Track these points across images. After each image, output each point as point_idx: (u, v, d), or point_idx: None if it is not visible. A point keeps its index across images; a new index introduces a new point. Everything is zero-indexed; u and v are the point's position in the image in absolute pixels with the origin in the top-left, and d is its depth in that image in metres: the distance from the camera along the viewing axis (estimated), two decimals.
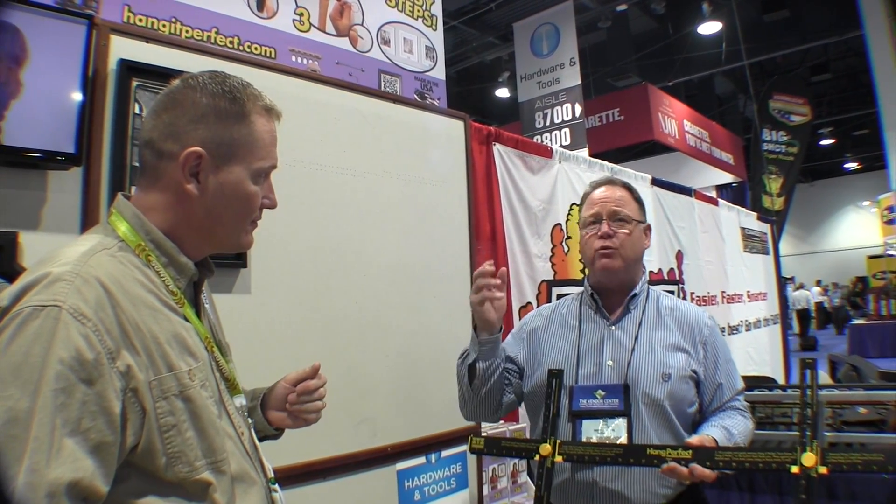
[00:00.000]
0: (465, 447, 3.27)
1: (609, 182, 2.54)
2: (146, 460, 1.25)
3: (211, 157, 1.38)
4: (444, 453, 3.22)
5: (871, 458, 1.80)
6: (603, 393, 2.27)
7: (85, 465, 1.13)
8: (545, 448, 2.16)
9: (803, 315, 22.54)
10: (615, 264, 2.38)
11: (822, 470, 1.83)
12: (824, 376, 7.46)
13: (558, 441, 2.17)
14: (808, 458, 1.84)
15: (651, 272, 5.94)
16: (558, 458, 2.14)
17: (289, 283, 2.67)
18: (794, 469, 1.86)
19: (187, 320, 1.39)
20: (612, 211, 2.41)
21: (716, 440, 2.10)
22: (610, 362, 2.34)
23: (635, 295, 2.45)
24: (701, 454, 1.95)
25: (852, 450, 1.91)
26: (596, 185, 2.55)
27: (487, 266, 2.24)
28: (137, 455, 1.24)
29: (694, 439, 2.05)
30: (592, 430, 2.24)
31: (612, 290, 2.46)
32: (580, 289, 2.62)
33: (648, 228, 2.51)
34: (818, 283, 25.87)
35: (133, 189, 2.13)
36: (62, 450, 1.11)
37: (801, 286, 24.75)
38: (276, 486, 1.57)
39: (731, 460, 1.94)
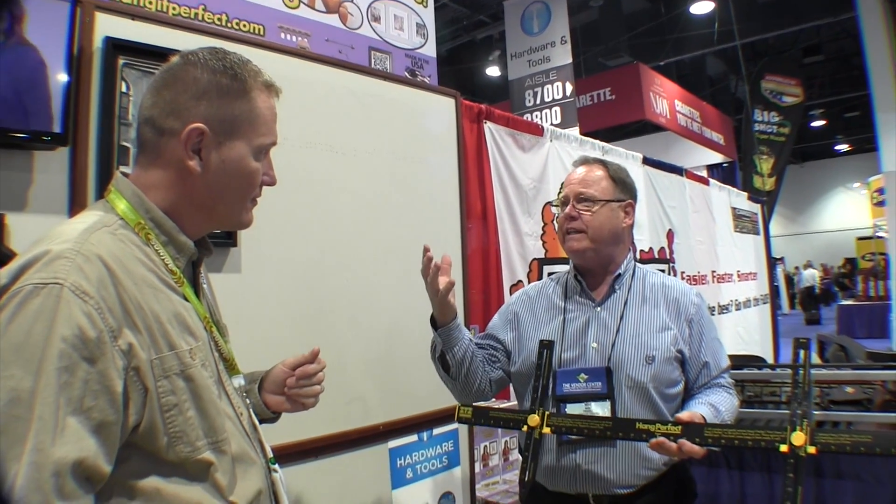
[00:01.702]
0: (456, 425, 3.29)
1: (584, 162, 2.55)
2: (148, 440, 1.25)
3: (213, 133, 1.37)
4: (436, 431, 3.23)
5: (859, 440, 1.80)
6: (586, 376, 2.28)
7: (88, 444, 1.13)
8: (533, 419, 2.15)
9: (810, 292, 23.44)
10: (579, 245, 2.40)
11: (811, 450, 1.84)
12: (812, 356, 7.50)
13: (546, 412, 2.17)
14: (798, 438, 1.85)
15: (642, 251, 5.95)
16: (546, 430, 2.14)
17: (279, 262, 2.66)
18: (783, 448, 1.86)
19: (187, 300, 1.39)
20: (577, 192, 2.42)
21: (704, 417, 2.10)
22: (594, 345, 2.35)
23: (620, 275, 2.45)
24: (690, 430, 1.95)
25: (839, 429, 1.92)
26: (575, 166, 2.56)
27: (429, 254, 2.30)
28: (139, 435, 1.24)
29: (683, 415, 2.05)
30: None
31: (594, 270, 2.47)
32: (564, 268, 2.62)
33: (629, 206, 2.49)
34: (809, 264, 26.00)
35: (122, 168, 2.13)
36: (66, 429, 1.11)
37: (809, 265, 25.42)
38: (276, 466, 1.58)
39: (720, 437, 1.93)
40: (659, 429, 1.97)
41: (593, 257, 2.42)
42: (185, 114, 1.36)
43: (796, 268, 25.95)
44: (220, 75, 1.40)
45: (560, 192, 2.54)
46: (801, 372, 1.96)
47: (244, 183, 1.45)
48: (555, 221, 4.64)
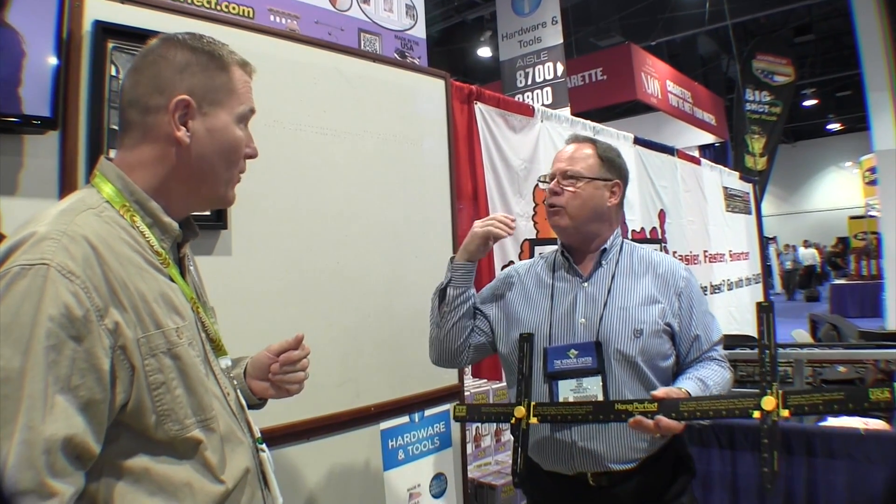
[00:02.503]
0: (448, 406, 3.30)
1: (573, 140, 2.57)
2: (136, 419, 1.26)
3: (197, 103, 1.41)
4: (428, 412, 3.24)
5: (831, 398, 1.82)
6: (576, 352, 2.29)
7: (77, 422, 1.15)
8: (519, 410, 2.21)
9: (810, 271, 24.26)
10: (560, 222, 2.42)
11: (784, 413, 1.86)
12: (805, 335, 7.54)
13: (532, 403, 2.21)
14: (768, 402, 1.87)
15: (633, 231, 5.96)
16: (533, 420, 2.19)
17: (270, 243, 2.66)
18: (756, 414, 1.89)
19: (173, 281, 1.41)
20: (562, 169, 2.43)
21: (689, 393, 2.12)
22: (582, 320, 2.35)
23: (606, 250, 2.45)
24: (666, 406, 1.98)
25: (811, 388, 1.94)
26: (566, 143, 2.58)
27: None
28: (127, 414, 1.25)
29: (660, 392, 2.06)
30: (569, 390, 2.27)
31: (580, 247, 2.48)
32: (553, 247, 2.64)
33: (616, 186, 2.48)
34: (807, 243, 26.16)
35: (112, 152, 2.12)
36: (55, 407, 1.12)
37: (812, 244, 25.96)
38: (264, 446, 1.59)
39: (695, 410, 1.97)
40: (636, 407, 2.01)
41: (574, 234, 2.44)
42: (169, 88, 1.39)
43: (786, 246, 25.97)
44: (199, 53, 1.44)
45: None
46: (767, 339, 1.98)
47: (231, 151, 1.47)
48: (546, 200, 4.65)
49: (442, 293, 2.47)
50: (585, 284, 2.42)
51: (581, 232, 2.43)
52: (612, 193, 2.47)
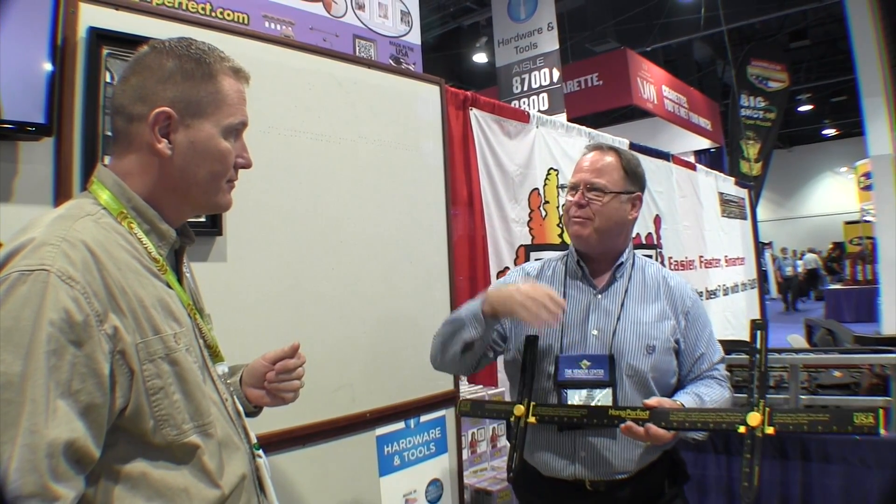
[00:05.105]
0: (443, 412, 3.30)
1: (598, 149, 2.50)
2: (134, 424, 1.27)
3: (179, 115, 1.40)
4: (423, 418, 3.24)
5: (816, 419, 1.86)
6: (588, 363, 2.28)
7: (77, 426, 1.15)
8: (519, 409, 2.24)
9: (813, 274, 24.63)
10: (584, 232, 2.37)
11: (769, 430, 1.89)
12: (801, 340, 7.54)
13: (532, 403, 2.23)
14: (753, 418, 1.91)
15: None
16: (531, 420, 2.21)
17: (265, 250, 2.66)
18: (741, 429, 1.92)
19: (170, 287, 1.41)
20: (588, 181, 2.39)
21: (683, 405, 2.13)
22: (595, 332, 2.34)
23: (621, 263, 2.44)
24: (657, 415, 2.02)
25: (798, 408, 1.97)
26: (587, 150, 2.53)
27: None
28: (126, 418, 1.26)
29: (652, 400, 2.09)
30: (577, 400, 2.26)
31: (596, 257, 2.46)
32: (559, 253, 2.62)
33: (637, 199, 2.46)
34: (811, 249, 26.34)
35: (106, 159, 2.12)
36: (57, 411, 1.13)
37: (811, 250, 26.46)
38: (261, 452, 1.59)
39: (684, 420, 2.01)
40: (629, 414, 2.05)
41: (596, 246, 2.41)
42: (151, 98, 1.38)
43: (783, 249, 25.98)
44: (186, 60, 1.42)
45: (571, 178, 2.52)
46: (759, 356, 2.01)
47: (216, 163, 1.46)
48: (541, 206, 4.66)
49: (467, 346, 2.30)
50: (599, 297, 2.41)
51: (602, 244, 2.41)
52: (633, 206, 2.45)
